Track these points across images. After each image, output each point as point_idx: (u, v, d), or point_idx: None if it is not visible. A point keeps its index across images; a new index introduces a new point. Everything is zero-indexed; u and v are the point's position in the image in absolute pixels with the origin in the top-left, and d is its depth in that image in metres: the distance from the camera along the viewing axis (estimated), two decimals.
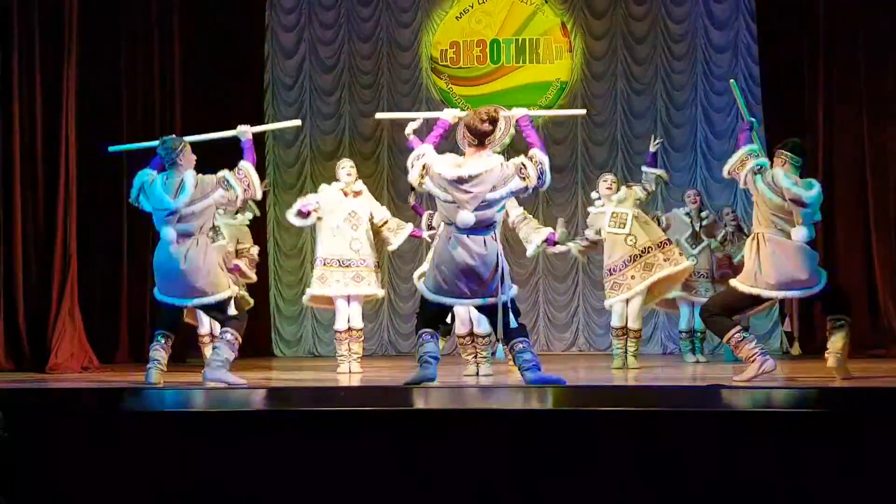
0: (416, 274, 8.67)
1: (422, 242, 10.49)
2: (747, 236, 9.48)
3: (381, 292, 8.84)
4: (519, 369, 6.57)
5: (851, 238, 10.15)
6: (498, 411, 5.31)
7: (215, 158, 7.39)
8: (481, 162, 6.50)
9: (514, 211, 8.24)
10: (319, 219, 8.59)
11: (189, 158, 7.01)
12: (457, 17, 12.01)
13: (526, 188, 6.57)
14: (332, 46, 12.07)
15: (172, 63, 10.57)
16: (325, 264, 8.55)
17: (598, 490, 4.74)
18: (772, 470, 4.70)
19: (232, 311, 7.00)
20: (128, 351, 9.82)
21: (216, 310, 6.99)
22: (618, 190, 8.96)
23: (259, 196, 7.30)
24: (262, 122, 11.68)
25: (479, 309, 6.86)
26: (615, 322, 8.99)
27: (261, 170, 9.13)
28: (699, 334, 9.77)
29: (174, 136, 7.24)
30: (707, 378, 7.77)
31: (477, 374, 7.91)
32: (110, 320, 9.75)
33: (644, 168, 9.09)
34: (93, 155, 9.41)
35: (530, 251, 8.42)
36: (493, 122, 6.56)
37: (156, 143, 7.16)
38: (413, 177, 6.69)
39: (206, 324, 8.83)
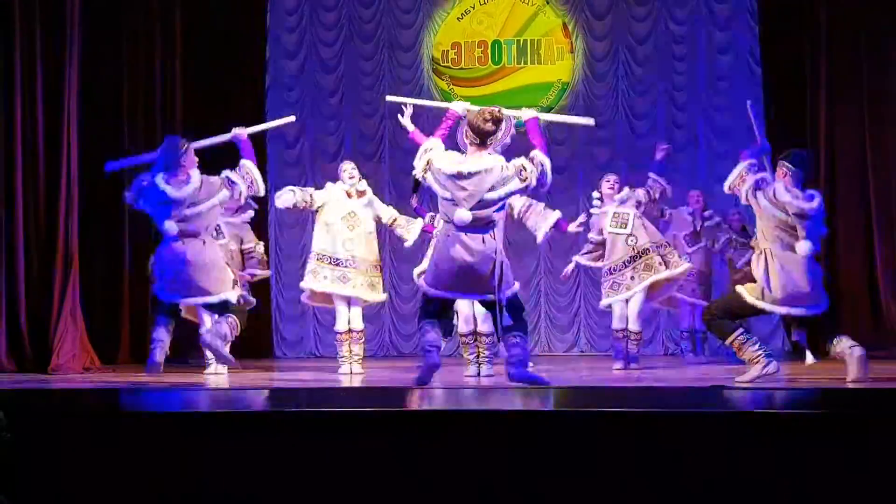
0: (416, 271, 8.66)
1: (423, 242, 10.49)
2: (748, 239, 9.53)
3: (370, 296, 8.60)
4: (504, 362, 6.58)
5: (853, 238, 10.15)
6: (499, 412, 5.31)
7: (215, 159, 7.41)
8: (482, 161, 6.50)
9: (518, 202, 8.15)
10: (317, 211, 8.60)
11: (192, 159, 7.06)
12: (458, 18, 12.02)
13: (526, 188, 6.58)
14: (334, 47, 12.07)
15: (174, 63, 10.58)
16: (318, 259, 8.55)
17: (599, 491, 4.74)
18: (774, 471, 4.70)
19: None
20: (129, 351, 9.83)
21: (219, 307, 7.02)
22: (620, 190, 8.96)
23: (262, 192, 7.39)
24: (262, 123, 11.72)
25: (482, 303, 6.89)
26: (616, 324, 9.00)
27: (262, 171, 9.10)
28: (700, 334, 9.77)
29: (176, 136, 7.28)
30: (708, 379, 7.77)
31: (478, 374, 7.91)
32: (112, 321, 9.76)
33: (651, 174, 9.05)
34: (94, 155, 9.42)
35: (539, 238, 8.37)
36: (497, 121, 6.57)
37: (152, 156, 7.22)
38: (417, 169, 6.71)
39: (207, 322, 8.83)
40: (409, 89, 11.98)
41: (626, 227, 8.81)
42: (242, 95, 11.53)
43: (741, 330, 6.90)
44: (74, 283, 8.75)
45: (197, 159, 7.10)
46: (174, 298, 6.97)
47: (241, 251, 8.95)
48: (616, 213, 8.87)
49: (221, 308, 7.04)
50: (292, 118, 8.33)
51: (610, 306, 9.00)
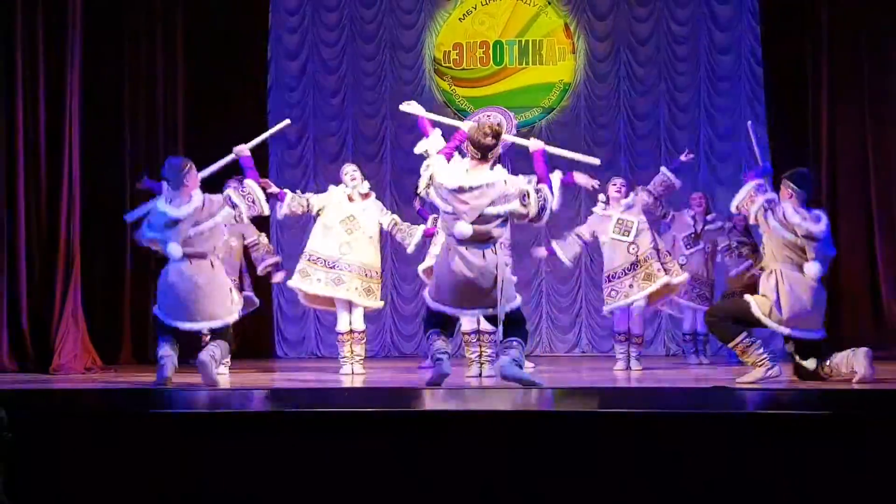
0: (420, 268, 8.65)
1: (425, 245, 10.48)
2: (751, 240, 9.55)
3: (364, 301, 8.50)
4: (499, 356, 6.59)
5: (854, 239, 10.14)
6: (500, 413, 5.30)
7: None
8: (483, 175, 6.54)
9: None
10: (318, 214, 8.59)
11: (195, 179, 7.08)
12: (460, 19, 12.01)
13: (525, 216, 6.60)
14: (335, 48, 12.07)
15: (175, 64, 10.59)
16: (309, 260, 8.50)
17: (600, 492, 4.73)
18: (775, 472, 4.69)
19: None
20: (131, 351, 9.84)
21: (219, 329, 7.11)
22: (626, 194, 8.96)
23: (266, 211, 7.43)
24: (264, 124, 11.69)
25: (484, 317, 6.91)
26: (617, 327, 9.01)
27: (263, 172, 9.14)
28: (702, 337, 9.76)
29: (179, 156, 7.40)
30: (710, 380, 7.77)
31: (479, 374, 7.90)
32: (113, 321, 9.76)
33: (663, 168, 9.03)
34: (96, 156, 9.45)
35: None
36: (497, 136, 6.61)
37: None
38: (420, 185, 6.77)
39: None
40: (411, 90, 11.97)
41: (628, 235, 8.80)
42: (244, 96, 11.53)
43: (745, 333, 6.92)
44: (76, 283, 8.75)
45: (199, 180, 7.14)
46: (175, 323, 6.99)
47: (245, 246, 8.93)
48: (620, 220, 8.86)
49: (221, 330, 7.09)
50: (287, 122, 8.31)
51: (612, 312, 9.01)
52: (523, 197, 6.55)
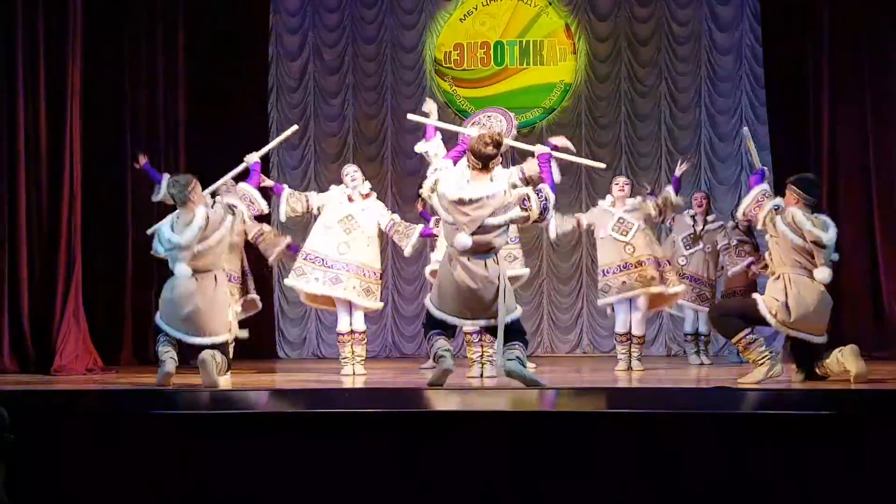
0: (427, 270, 8.62)
1: (426, 243, 10.48)
2: (752, 238, 9.56)
3: (363, 301, 8.48)
4: (503, 358, 6.61)
5: (855, 239, 10.13)
6: (501, 413, 5.30)
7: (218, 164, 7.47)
8: (484, 186, 6.56)
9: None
10: (318, 213, 8.61)
11: (200, 194, 7.20)
12: (460, 19, 12.01)
13: (527, 219, 6.64)
14: (336, 49, 12.07)
15: (176, 65, 10.59)
16: (306, 258, 8.50)
17: (601, 492, 4.73)
18: (776, 472, 4.69)
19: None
20: (131, 352, 9.84)
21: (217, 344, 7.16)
22: (630, 193, 8.97)
23: (266, 209, 7.65)
24: (265, 125, 11.76)
25: (484, 328, 6.95)
26: (619, 328, 9.02)
27: (265, 173, 9.13)
28: (704, 337, 9.77)
29: (184, 174, 7.51)
30: (711, 380, 7.77)
31: (481, 375, 7.90)
32: (114, 322, 9.76)
33: (668, 188, 9.04)
34: (97, 156, 9.46)
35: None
36: (497, 145, 6.63)
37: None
38: (425, 189, 6.83)
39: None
40: (412, 90, 11.99)
41: (626, 236, 8.83)
42: (245, 97, 11.54)
43: (749, 330, 6.94)
44: (77, 284, 8.76)
45: (205, 196, 7.32)
46: (176, 334, 7.07)
47: (248, 244, 8.91)
48: (621, 219, 8.89)
49: (219, 346, 7.15)
50: (295, 127, 8.44)
51: (613, 311, 9.02)
52: (523, 201, 6.58)
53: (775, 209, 6.98)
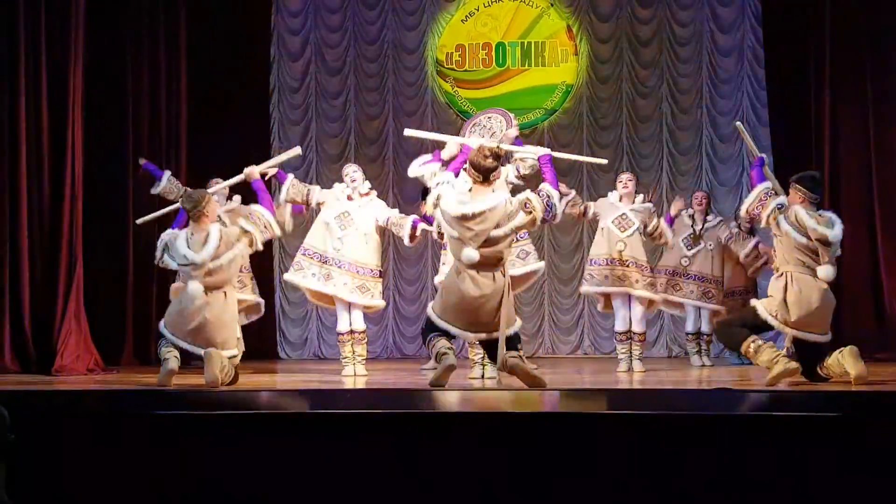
0: (437, 281, 8.58)
1: (428, 245, 10.52)
2: (754, 233, 9.58)
3: (355, 298, 8.43)
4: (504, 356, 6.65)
5: (856, 239, 10.12)
6: (502, 414, 5.30)
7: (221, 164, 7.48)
8: (486, 199, 6.61)
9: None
10: (317, 209, 8.65)
11: (213, 210, 7.35)
12: (462, 21, 12.01)
13: (533, 222, 6.75)
14: (338, 49, 12.06)
15: (178, 65, 10.58)
16: (304, 254, 8.52)
17: (602, 493, 4.73)
18: (778, 473, 4.69)
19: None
20: (133, 352, 9.83)
21: None
22: (635, 190, 8.98)
23: (279, 233, 7.74)
24: (266, 125, 11.76)
25: (480, 342, 7.00)
26: (619, 327, 9.02)
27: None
28: (705, 337, 9.76)
29: (197, 189, 7.66)
30: (713, 381, 7.77)
31: (482, 376, 7.90)
32: (115, 322, 9.76)
33: (664, 223, 9.08)
34: (98, 157, 9.45)
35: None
36: (497, 157, 6.70)
37: (177, 205, 7.67)
38: (428, 204, 6.88)
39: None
40: (414, 91, 11.99)
41: (623, 233, 8.85)
42: (246, 97, 11.53)
43: (754, 336, 6.92)
44: (78, 284, 8.75)
45: (218, 209, 7.51)
46: (180, 343, 7.14)
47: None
48: (624, 215, 8.90)
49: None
50: (298, 150, 8.54)
51: (613, 311, 9.03)
52: (525, 204, 6.65)
53: (779, 208, 6.98)
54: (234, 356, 7.28)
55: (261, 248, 7.74)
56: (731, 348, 7.15)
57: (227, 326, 7.22)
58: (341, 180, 8.73)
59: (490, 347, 6.85)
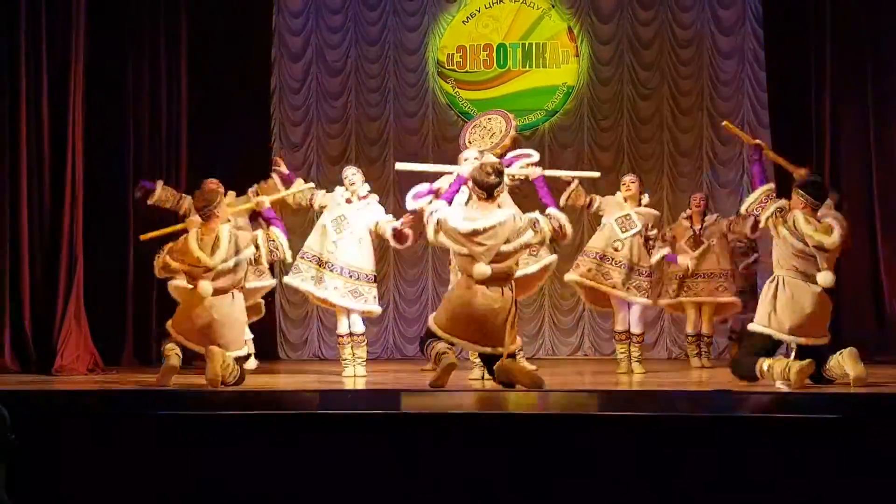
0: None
1: (426, 248, 10.51)
2: (746, 244, 9.59)
3: (347, 302, 8.43)
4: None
5: (857, 241, 10.11)
6: (502, 415, 5.30)
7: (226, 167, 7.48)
8: (494, 214, 6.76)
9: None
10: (319, 212, 8.71)
11: (224, 211, 7.42)
12: (463, 22, 12.01)
13: (542, 241, 7.01)
14: (339, 50, 12.07)
15: (178, 65, 10.58)
16: (302, 257, 8.54)
17: (602, 495, 4.73)
18: (778, 475, 4.69)
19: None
20: (133, 353, 9.83)
21: None
22: (639, 192, 8.99)
23: (289, 258, 7.79)
24: (267, 126, 11.75)
25: (481, 356, 7.15)
26: (617, 327, 9.04)
27: (266, 175, 9.18)
28: (705, 338, 9.76)
29: (216, 186, 7.91)
30: (712, 383, 7.77)
31: (482, 377, 7.90)
32: (115, 322, 9.76)
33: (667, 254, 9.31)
34: (99, 157, 9.46)
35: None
36: (499, 174, 6.82)
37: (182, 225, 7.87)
38: (429, 235, 6.96)
39: None
40: (415, 92, 11.99)
41: (623, 233, 8.85)
42: (247, 97, 11.52)
43: (762, 358, 6.90)
44: (79, 284, 8.76)
45: (229, 212, 7.55)
46: (185, 342, 7.21)
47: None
48: (629, 216, 8.91)
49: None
50: (312, 185, 8.71)
51: (592, 302, 9.08)
52: (534, 224, 6.81)
53: (779, 212, 6.98)
54: (242, 357, 7.33)
55: (264, 265, 7.83)
56: (748, 380, 7.03)
57: (234, 327, 7.26)
58: (341, 181, 8.74)
59: (490, 362, 6.95)
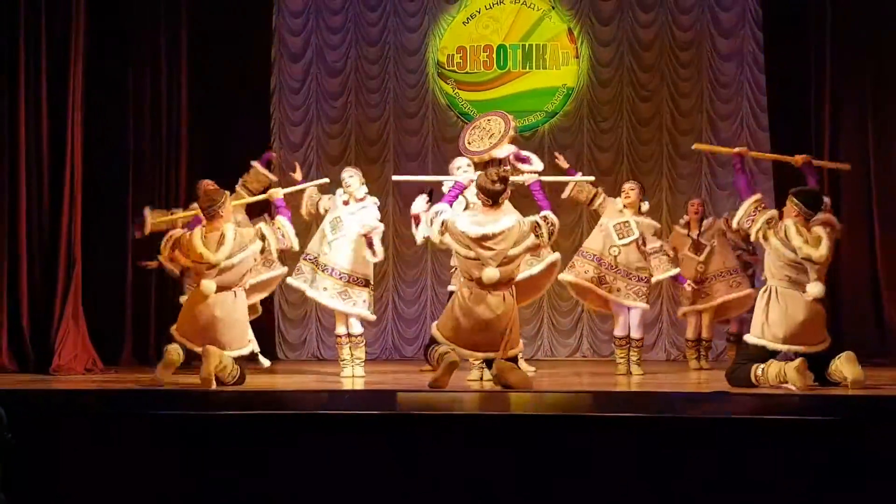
0: (450, 288, 8.59)
1: (427, 247, 10.50)
2: (745, 250, 9.60)
3: (336, 304, 8.46)
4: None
5: (856, 245, 10.12)
6: (501, 416, 5.30)
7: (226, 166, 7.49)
8: (502, 220, 6.92)
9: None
10: (324, 215, 8.73)
11: (229, 210, 7.47)
12: (464, 23, 12.01)
13: (540, 245, 7.13)
14: (339, 50, 12.07)
15: (178, 65, 10.57)
16: (304, 258, 8.62)
17: (601, 496, 4.73)
18: (776, 477, 4.69)
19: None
20: (131, 352, 9.83)
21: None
22: (639, 199, 8.97)
23: (296, 246, 7.84)
24: (267, 126, 11.75)
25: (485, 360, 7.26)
26: (617, 332, 9.03)
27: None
28: (704, 343, 9.76)
29: (215, 187, 7.90)
30: (711, 384, 7.77)
31: (481, 378, 7.90)
32: (114, 322, 9.76)
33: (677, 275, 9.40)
34: (98, 157, 9.46)
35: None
36: (504, 181, 6.99)
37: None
38: (434, 235, 7.07)
39: None
40: (415, 93, 11.99)
41: (620, 239, 8.84)
42: (247, 97, 11.50)
43: (755, 364, 6.91)
44: (77, 284, 8.76)
45: (233, 213, 7.59)
46: (187, 344, 7.28)
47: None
48: (627, 223, 8.89)
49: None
50: (327, 180, 8.81)
51: (612, 313, 9.04)
52: (535, 228, 6.94)
53: (768, 224, 7.00)
54: (243, 354, 7.35)
55: (274, 255, 7.85)
56: (745, 387, 7.03)
57: (236, 326, 7.30)
58: (341, 182, 8.76)
59: (490, 365, 7.08)
